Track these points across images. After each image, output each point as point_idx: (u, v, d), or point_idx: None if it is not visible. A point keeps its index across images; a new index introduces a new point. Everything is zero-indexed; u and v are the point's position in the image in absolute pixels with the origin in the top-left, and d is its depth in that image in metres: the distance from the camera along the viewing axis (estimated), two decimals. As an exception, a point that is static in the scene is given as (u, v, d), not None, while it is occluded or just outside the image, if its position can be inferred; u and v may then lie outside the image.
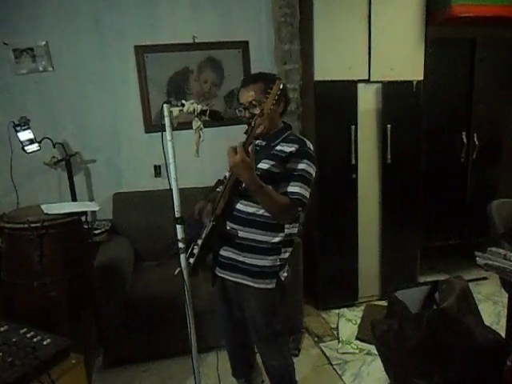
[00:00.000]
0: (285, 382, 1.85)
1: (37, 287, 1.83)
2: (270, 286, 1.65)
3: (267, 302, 1.70)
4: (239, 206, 1.64)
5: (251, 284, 1.66)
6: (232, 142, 3.38)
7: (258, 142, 1.68)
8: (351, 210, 2.85)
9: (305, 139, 1.65)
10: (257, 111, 1.49)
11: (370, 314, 2.77)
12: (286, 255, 1.71)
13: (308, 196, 1.58)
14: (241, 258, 1.66)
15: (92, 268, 2.17)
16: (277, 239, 1.64)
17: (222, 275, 1.75)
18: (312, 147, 1.63)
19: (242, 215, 1.64)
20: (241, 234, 1.65)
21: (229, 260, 1.70)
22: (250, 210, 1.62)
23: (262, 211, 1.60)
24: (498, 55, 2.97)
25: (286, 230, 1.66)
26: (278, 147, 1.61)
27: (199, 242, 1.71)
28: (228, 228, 1.67)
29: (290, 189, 1.55)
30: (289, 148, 1.59)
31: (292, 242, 1.73)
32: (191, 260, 1.70)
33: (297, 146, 1.58)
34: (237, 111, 1.70)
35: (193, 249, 1.73)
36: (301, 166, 1.56)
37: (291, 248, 1.73)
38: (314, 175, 1.61)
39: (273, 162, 1.58)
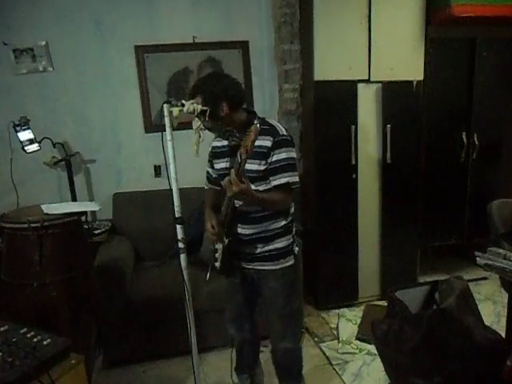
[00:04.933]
0: (295, 366, 1.89)
1: (37, 287, 1.84)
2: (288, 264, 1.75)
3: (287, 279, 1.77)
4: (243, 209, 1.68)
5: (272, 267, 1.73)
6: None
7: (233, 142, 1.69)
8: (351, 210, 2.85)
9: (275, 124, 1.67)
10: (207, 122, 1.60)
11: (369, 314, 2.77)
12: (294, 230, 1.81)
13: (298, 178, 1.65)
14: (258, 250, 1.72)
15: (92, 268, 2.17)
16: (286, 221, 1.74)
17: (245, 267, 1.79)
18: (284, 130, 1.65)
19: (249, 216, 1.69)
20: (253, 231, 1.70)
21: (248, 254, 1.75)
22: (254, 208, 1.67)
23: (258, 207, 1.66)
24: (497, 55, 2.97)
25: (290, 210, 1.76)
26: (256, 142, 1.60)
27: (217, 247, 1.78)
28: (239, 230, 1.72)
29: (281, 181, 1.61)
30: (265, 142, 1.61)
31: (293, 214, 1.80)
32: (217, 264, 1.79)
33: (271, 138, 1.61)
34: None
35: (214, 253, 1.81)
36: (282, 155, 1.60)
37: (293, 221, 1.81)
38: (295, 155, 1.67)
39: (257, 161, 1.61)
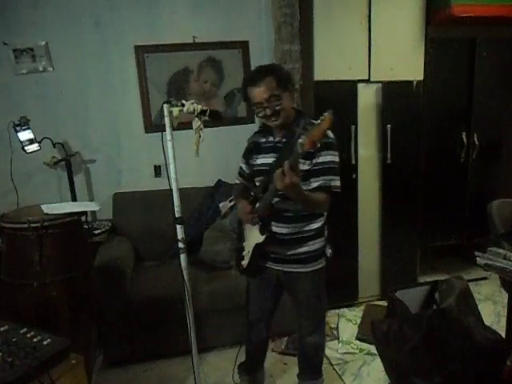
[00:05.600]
0: (318, 359, 1.97)
1: (37, 287, 1.83)
2: (320, 266, 1.76)
3: (319, 281, 1.79)
4: (279, 206, 1.66)
5: (303, 270, 1.73)
6: (232, 142, 3.38)
7: (277, 139, 1.69)
8: (351, 210, 2.85)
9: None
10: (278, 106, 1.56)
11: (369, 313, 2.77)
12: (326, 233, 1.79)
13: (339, 182, 1.64)
14: (291, 252, 1.72)
15: (92, 268, 2.16)
16: (320, 224, 1.74)
17: (272, 267, 1.79)
18: (331, 133, 1.63)
19: (285, 215, 1.67)
20: (288, 230, 1.69)
21: (279, 255, 1.74)
22: (291, 207, 1.65)
23: (297, 206, 1.63)
24: (497, 55, 2.97)
25: (324, 213, 1.76)
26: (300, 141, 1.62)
27: (246, 244, 1.78)
28: (274, 229, 1.70)
29: (325, 183, 1.59)
30: None
31: (326, 217, 1.79)
32: (243, 262, 1.78)
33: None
34: (256, 112, 1.67)
35: (239, 251, 1.81)
36: (328, 158, 1.57)
37: (326, 224, 1.80)
38: (338, 159, 1.65)
39: (302, 160, 1.56)
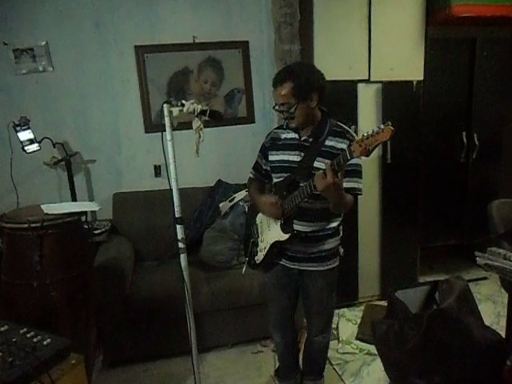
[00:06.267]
0: (323, 359, 2.01)
1: (37, 287, 1.83)
2: (335, 265, 1.81)
3: (332, 279, 1.83)
4: (303, 205, 1.65)
5: (319, 268, 1.76)
6: (232, 142, 3.38)
7: (303, 138, 1.68)
8: (351, 210, 2.84)
9: (349, 129, 1.66)
10: (291, 113, 1.57)
11: (370, 313, 2.77)
12: (341, 232, 1.83)
13: (362, 185, 1.66)
14: (308, 250, 1.73)
15: (92, 268, 2.16)
16: (337, 223, 1.77)
17: (287, 265, 1.79)
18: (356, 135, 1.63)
19: (308, 212, 1.68)
20: (309, 228, 1.70)
21: (297, 253, 1.75)
22: (317, 206, 1.65)
23: (322, 205, 1.63)
24: (497, 55, 2.97)
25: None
26: (327, 142, 1.63)
27: (261, 240, 1.78)
28: (295, 227, 1.70)
29: (350, 185, 1.61)
30: (339, 144, 1.60)
31: (343, 219, 1.82)
32: (257, 258, 1.80)
33: (346, 141, 1.59)
34: (277, 110, 1.67)
35: (251, 247, 1.83)
36: (354, 160, 1.54)
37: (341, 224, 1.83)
38: (362, 163, 1.66)
39: (327, 160, 1.53)
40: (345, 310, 2.91)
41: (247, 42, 3.00)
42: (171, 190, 1.65)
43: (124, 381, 2.30)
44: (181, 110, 1.60)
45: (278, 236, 1.69)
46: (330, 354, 2.43)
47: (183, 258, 1.72)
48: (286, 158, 1.71)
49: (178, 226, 1.68)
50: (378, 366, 2.20)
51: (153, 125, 2.94)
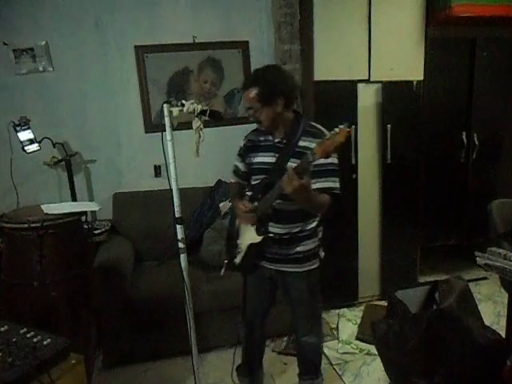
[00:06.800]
0: (316, 359, 1.98)
1: (37, 287, 1.83)
2: (314, 266, 1.78)
3: (313, 281, 1.80)
4: (278, 207, 1.66)
5: (298, 270, 1.75)
6: (232, 142, 3.38)
7: (277, 139, 1.69)
8: (351, 210, 2.85)
9: (322, 128, 1.65)
10: (257, 117, 1.61)
11: (370, 314, 2.77)
12: (320, 234, 1.80)
13: (339, 184, 1.65)
14: (286, 251, 1.73)
15: (92, 268, 2.17)
16: (314, 224, 1.75)
17: (266, 266, 1.79)
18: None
19: (283, 215, 1.68)
20: (284, 230, 1.70)
21: (274, 254, 1.75)
22: (292, 207, 1.64)
23: (297, 206, 1.62)
24: (497, 55, 2.97)
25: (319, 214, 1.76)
26: (301, 143, 1.63)
27: (240, 242, 1.79)
28: (271, 229, 1.71)
29: (325, 185, 1.60)
30: (312, 144, 1.56)
31: (322, 220, 1.79)
32: (236, 260, 1.80)
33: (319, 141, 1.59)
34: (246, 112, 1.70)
35: (231, 249, 1.83)
36: (328, 160, 1.54)
37: (322, 226, 1.81)
38: (337, 161, 1.66)
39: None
40: (345, 309, 2.91)
41: (247, 42, 3.00)
42: (171, 190, 1.65)
43: (124, 381, 2.30)
44: (181, 110, 1.60)
45: (253, 238, 1.70)
46: (330, 354, 2.44)
47: (183, 258, 1.72)
48: (261, 159, 1.72)
49: (178, 226, 1.68)
50: (378, 365, 2.20)
51: (153, 125, 2.94)
